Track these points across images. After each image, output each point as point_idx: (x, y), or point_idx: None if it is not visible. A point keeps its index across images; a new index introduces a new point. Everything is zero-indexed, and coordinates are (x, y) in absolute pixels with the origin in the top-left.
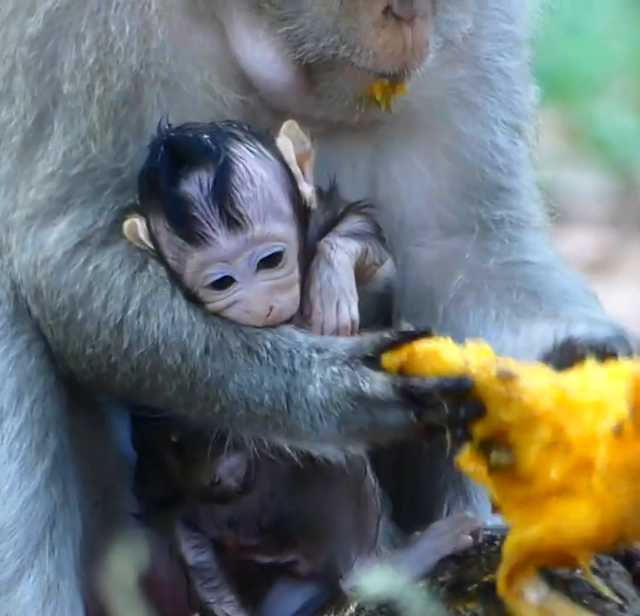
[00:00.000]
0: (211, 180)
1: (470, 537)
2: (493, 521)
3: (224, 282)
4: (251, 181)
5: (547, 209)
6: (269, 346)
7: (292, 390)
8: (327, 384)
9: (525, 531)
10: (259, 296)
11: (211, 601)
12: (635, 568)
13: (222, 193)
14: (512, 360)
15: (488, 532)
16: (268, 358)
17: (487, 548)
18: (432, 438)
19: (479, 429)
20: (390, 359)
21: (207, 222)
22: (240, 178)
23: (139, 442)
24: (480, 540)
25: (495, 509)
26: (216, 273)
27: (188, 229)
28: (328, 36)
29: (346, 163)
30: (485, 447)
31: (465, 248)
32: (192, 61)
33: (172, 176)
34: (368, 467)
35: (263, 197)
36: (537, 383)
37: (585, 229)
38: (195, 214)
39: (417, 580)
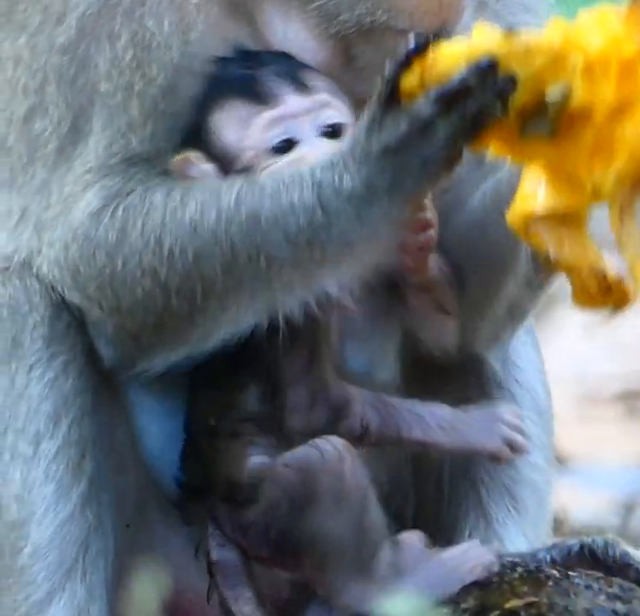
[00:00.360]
0: (282, 63)
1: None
2: (515, 547)
3: (287, 146)
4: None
5: None
6: (288, 175)
7: (325, 200)
8: (362, 174)
9: (612, 168)
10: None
11: (230, 599)
12: None
13: (291, 66)
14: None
15: (511, 558)
16: (290, 180)
17: (509, 574)
18: (480, 129)
19: (519, 98)
20: (407, 82)
21: (276, 84)
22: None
23: (185, 426)
24: (497, 568)
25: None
26: (281, 133)
27: (259, 88)
28: (362, 3)
29: None
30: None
31: None
32: (229, 52)
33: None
34: (372, 492)
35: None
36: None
37: (608, 252)
38: (265, 78)
39: (440, 605)
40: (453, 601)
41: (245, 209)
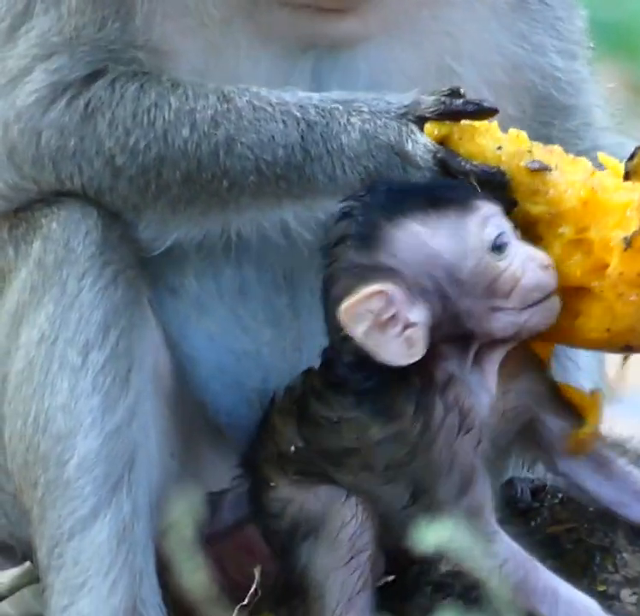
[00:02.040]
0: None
1: None
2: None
3: (503, 242)
4: None
5: None
6: (274, 100)
7: (309, 142)
8: (366, 134)
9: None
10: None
11: None
12: None
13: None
14: (555, 149)
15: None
16: (274, 112)
17: (550, 500)
18: None
19: (509, 219)
20: (431, 129)
21: (465, 188)
22: None
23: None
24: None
25: None
26: (495, 231)
27: (454, 195)
28: None
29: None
30: None
31: None
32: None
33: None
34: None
35: None
36: (569, 178)
37: None
38: (453, 184)
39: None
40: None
41: (222, 131)
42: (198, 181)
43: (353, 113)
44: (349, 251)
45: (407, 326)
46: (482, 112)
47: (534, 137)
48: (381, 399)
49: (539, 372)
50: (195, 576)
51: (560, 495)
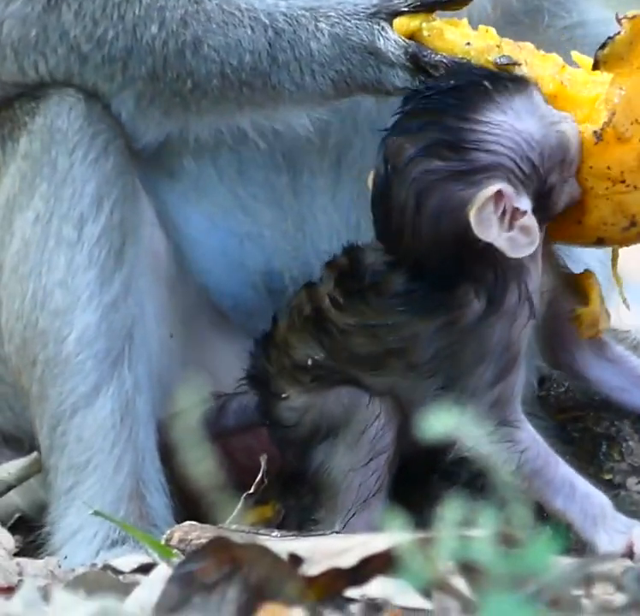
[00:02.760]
0: None
1: None
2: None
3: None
4: None
5: None
6: (243, 5)
7: (276, 49)
8: (337, 38)
9: None
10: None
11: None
12: None
13: None
14: (525, 46)
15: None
16: (243, 17)
17: (556, 389)
18: None
19: None
20: (401, 25)
21: None
22: None
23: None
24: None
25: None
26: None
27: None
28: None
29: None
30: None
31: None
32: None
33: None
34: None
35: None
36: (538, 73)
37: None
38: None
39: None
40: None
41: (190, 31)
42: (162, 79)
43: (320, 19)
44: (436, 162)
45: (518, 216)
46: (456, 1)
47: (524, 9)
48: (433, 295)
49: (551, 255)
50: (201, 463)
51: (566, 384)
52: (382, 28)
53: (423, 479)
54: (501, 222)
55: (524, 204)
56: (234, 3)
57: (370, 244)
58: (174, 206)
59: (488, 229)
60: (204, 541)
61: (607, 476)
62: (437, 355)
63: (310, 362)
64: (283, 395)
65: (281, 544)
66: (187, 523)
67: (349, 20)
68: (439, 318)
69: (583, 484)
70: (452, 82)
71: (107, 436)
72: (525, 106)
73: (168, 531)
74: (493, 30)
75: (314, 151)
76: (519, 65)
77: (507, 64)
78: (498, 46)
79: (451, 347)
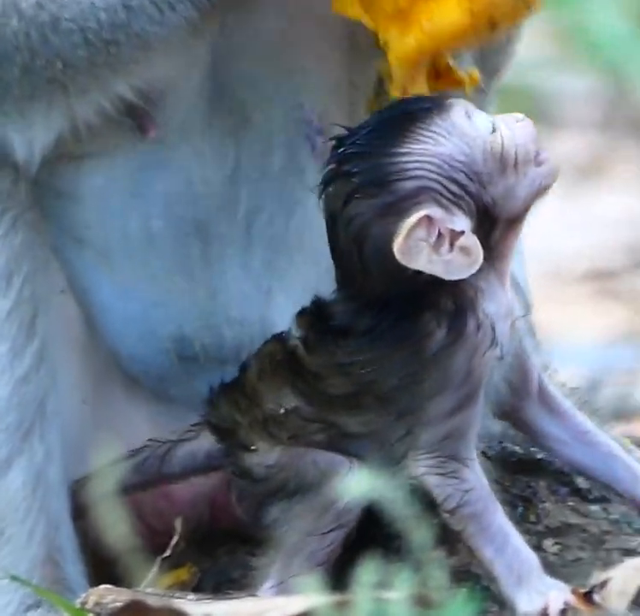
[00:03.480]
0: None
1: None
2: None
3: (490, 121)
4: None
5: (537, 111)
6: None
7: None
8: None
9: (403, 42)
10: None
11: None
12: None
13: None
14: None
15: None
16: None
17: None
18: None
19: None
20: None
21: None
22: None
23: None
24: None
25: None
26: (477, 113)
27: None
28: None
29: None
30: None
31: None
32: None
33: None
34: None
35: None
36: None
37: (576, 133)
38: None
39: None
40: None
41: (47, 13)
42: (34, 71)
43: None
44: (365, 201)
45: (456, 237)
46: None
47: None
48: (399, 325)
49: None
50: (116, 527)
51: (481, 445)
52: None
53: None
54: (438, 246)
55: (460, 224)
56: None
57: (335, 293)
58: (83, 273)
59: (416, 257)
60: (119, 604)
61: (524, 538)
62: (400, 384)
63: (282, 411)
64: (252, 448)
65: (197, 607)
66: (103, 586)
67: None
68: (405, 348)
69: (516, 539)
70: (372, 124)
71: (19, 508)
72: (445, 128)
73: (84, 595)
74: None
75: (224, 218)
76: None
77: None
78: None
79: (413, 377)
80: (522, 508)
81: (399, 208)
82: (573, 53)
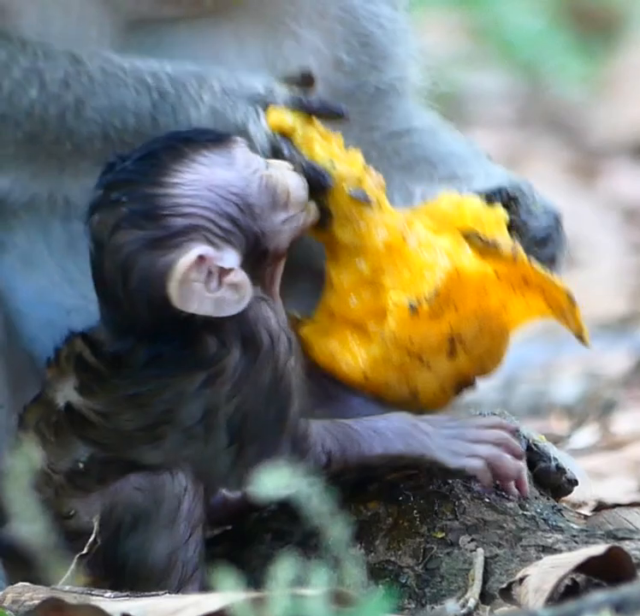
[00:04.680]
0: None
1: None
2: None
3: (274, 159)
4: None
5: (452, 110)
6: (127, 66)
7: (159, 112)
8: (215, 112)
9: (323, 338)
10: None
11: None
12: (537, 469)
13: None
14: (382, 184)
15: None
16: (127, 78)
17: None
18: None
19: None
20: (276, 118)
21: None
22: None
23: None
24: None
25: None
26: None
27: None
28: None
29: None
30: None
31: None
32: None
33: None
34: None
35: None
36: (386, 219)
37: (491, 130)
38: None
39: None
40: (333, 473)
41: (72, 95)
42: (40, 142)
43: (205, 88)
44: (133, 232)
45: (225, 274)
46: (332, 115)
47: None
48: (181, 354)
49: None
50: (33, 525)
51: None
52: (258, 115)
53: (255, 539)
54: (208, 284)
55: (230, 260)
56: (117, 64)
57: (94, 326)
58: (3, 277)
59: (189, 301)
60: (37, 602)
61: (440, 535)
62: (211, 409)
63: (81, 465)
64: (70, 513)
65: (115, 604)
66: (20, 584)
67: (230, 97)
68: (199, 374)
69: (382, 421)
70: (146, 149)
71: None
72: (222, 160)
73: (1, 593)
74: (360, 158)
75: None
76: (371, 205)
77: (360, 200)
78: (359, 179)
79: (219, 399)
80: (438, 505)
81: (169, 244)
82: (488, 51)
